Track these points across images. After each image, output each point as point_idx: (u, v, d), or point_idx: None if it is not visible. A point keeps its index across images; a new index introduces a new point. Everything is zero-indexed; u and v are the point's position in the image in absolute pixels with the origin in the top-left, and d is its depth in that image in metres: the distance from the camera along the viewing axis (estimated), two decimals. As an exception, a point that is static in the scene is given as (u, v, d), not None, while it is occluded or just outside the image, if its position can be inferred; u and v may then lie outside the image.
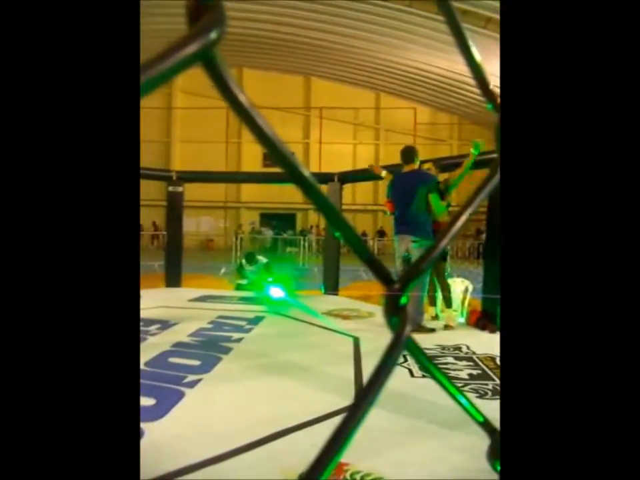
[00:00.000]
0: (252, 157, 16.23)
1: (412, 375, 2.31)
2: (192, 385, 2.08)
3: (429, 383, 2.34)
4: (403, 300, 0.19)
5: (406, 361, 2.50)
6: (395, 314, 0.18)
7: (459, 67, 11.84)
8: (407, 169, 3.36)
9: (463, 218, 0.24)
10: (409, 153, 3.37)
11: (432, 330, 3.26)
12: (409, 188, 3.26)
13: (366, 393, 0.18)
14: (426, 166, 3.58)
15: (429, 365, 0.20)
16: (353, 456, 1.42)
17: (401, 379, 2.22)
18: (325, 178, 5.20)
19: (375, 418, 1.64)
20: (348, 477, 1.37)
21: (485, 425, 0.22)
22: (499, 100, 0.25)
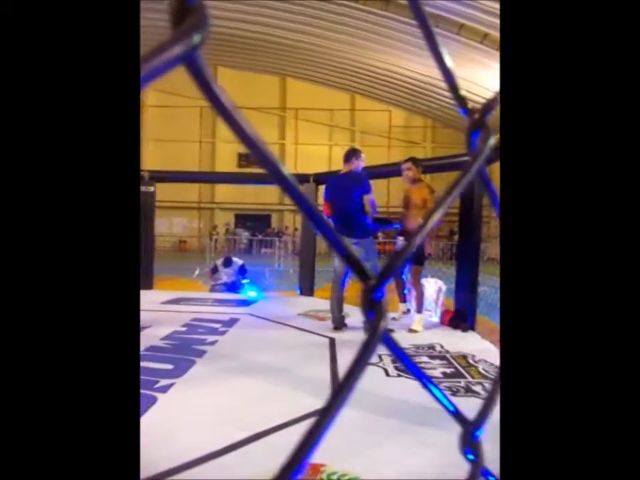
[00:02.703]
0: (227, 157, 16.05)
1: (387, 374, 2.34)
2: (165, 389, 2.04)
3: (404, 382, 2.37)
4: (379, 295, 0.19)
5: (381, 360, 2.53)
6: (371, 308, 0.19)
7: (432, 70, 12.07)
8: (344, 169, 3.33)
9: (434, 218, 0.24)
10: (347, 154, 3.35)
11: (390, 330, 3.25)
12: (344, 189, 3.23)
13: (340, 388, 0.19)
14: (406, 165, 3.57)
15: (403, 358, 0.21)
16: (329, 457, 1.42)
17: (376, 378, 2.25)
18: (301, 179, 5.20)
19: (351, 418, 1.66)
20: (324, 478, 1.37)
21: (457, 414, 0.23)
22: (469, 104, 0.26)
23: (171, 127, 15.96)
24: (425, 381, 0.21)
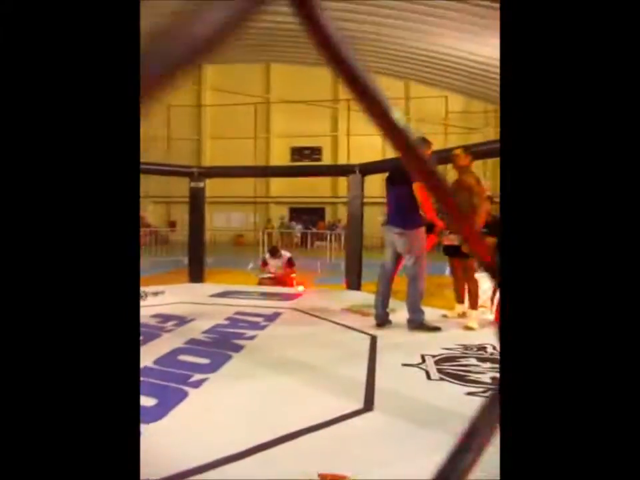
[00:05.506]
0: (280, 152, 16.27)
1: (429, 377, 2.17)
2: (197, 384, 2.04)
3: (448, 386, 2.18)
4: None
5: (423, 362, 2.37)
6: None
7: (492, 51, 11.28)
8: None
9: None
10: None
11: (437, 328, 3.05)
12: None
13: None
14: (457, 152, 3.32)
15: None
16: (351, 467, 1.32)
17: (417, 381, 2.09)
18: (346, 170, 5.08)
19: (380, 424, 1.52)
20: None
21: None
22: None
23: (228, 124, 16.45)
24: None
